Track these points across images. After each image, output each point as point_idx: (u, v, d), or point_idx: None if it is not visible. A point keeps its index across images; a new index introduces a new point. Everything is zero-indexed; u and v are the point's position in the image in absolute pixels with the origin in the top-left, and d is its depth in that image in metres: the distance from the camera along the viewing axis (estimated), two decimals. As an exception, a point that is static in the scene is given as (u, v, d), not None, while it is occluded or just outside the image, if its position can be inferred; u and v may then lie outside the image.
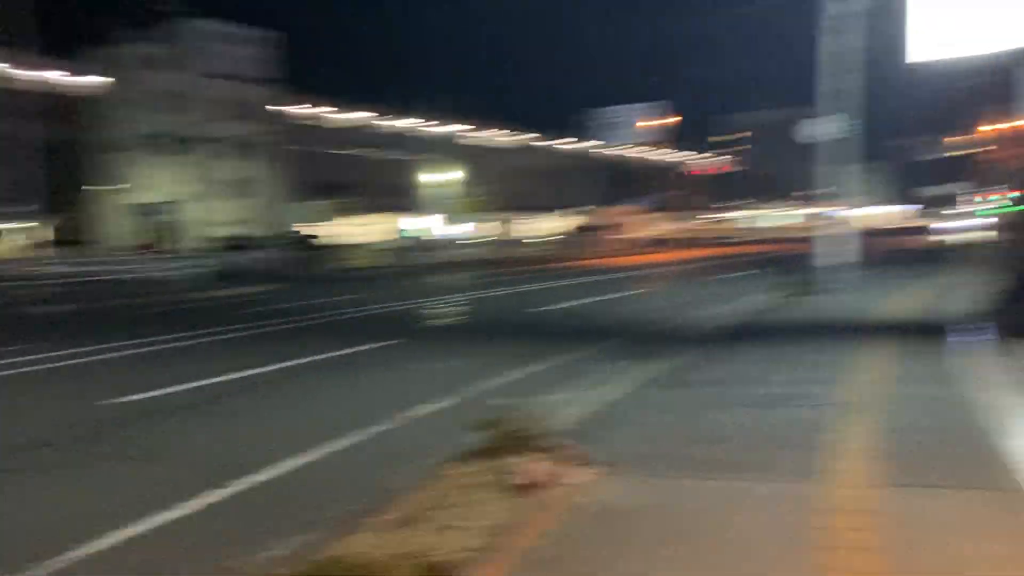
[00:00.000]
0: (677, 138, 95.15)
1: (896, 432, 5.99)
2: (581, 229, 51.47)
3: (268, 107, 62.51)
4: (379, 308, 18.14)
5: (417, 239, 48.62)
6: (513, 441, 5.48)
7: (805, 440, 5.89)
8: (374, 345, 12.22)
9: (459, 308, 18.20)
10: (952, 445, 5.64)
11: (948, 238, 47.86)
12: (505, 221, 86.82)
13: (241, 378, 9.75)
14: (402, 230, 53.64)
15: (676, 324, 13.93)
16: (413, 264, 37.01)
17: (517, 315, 16.57)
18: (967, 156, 43.34)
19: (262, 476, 5.88)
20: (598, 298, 18.98)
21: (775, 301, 16.37)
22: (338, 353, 11.48)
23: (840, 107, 19.37)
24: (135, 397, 8.71)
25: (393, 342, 12.58)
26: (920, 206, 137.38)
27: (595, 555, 3.98)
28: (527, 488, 4.88)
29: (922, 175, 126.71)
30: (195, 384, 9.39)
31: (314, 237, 48.23)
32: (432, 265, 36.25)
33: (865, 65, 18.28)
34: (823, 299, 16.12)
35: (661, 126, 49.60)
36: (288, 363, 10.71)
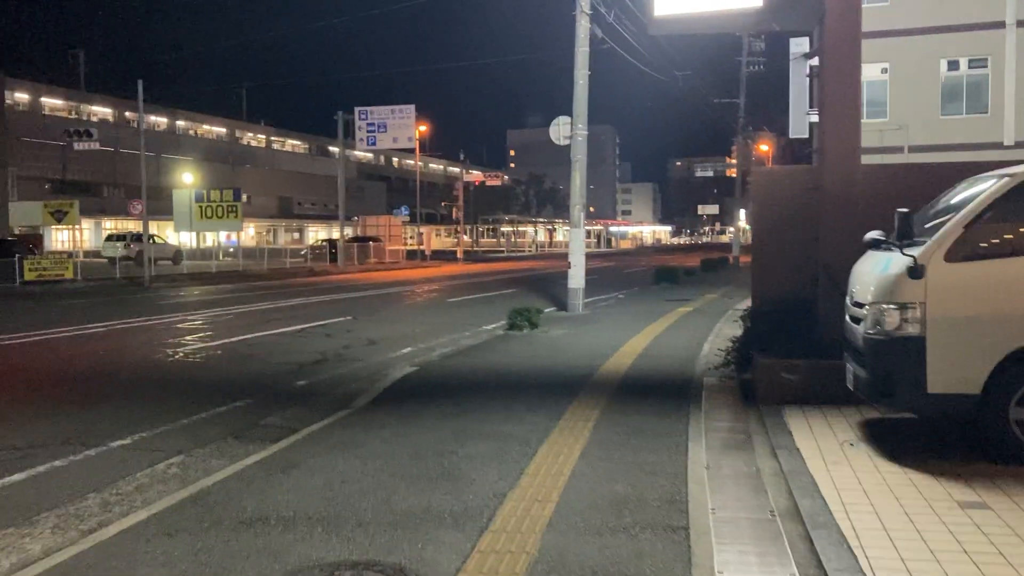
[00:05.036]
0: (450, 148, 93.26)
1: None
2: (335, 241, 47.01)
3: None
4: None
5: (132, 245, 41.75)
6: None
7: None
8: None
9: (96, 342, 13.54)
10: None
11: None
12: (269, 230, 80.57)
13: None
14: (112, 236, 46.30)
15: (351, 370, 10.22)
16: (136, 276, 30.87)
17: (172, 354, 12.17)
18: (745, 175, 43.85)
19: None
20: (302, 326, 14.99)
21: (497, 334, 13.14)
22: None
23: (595, 116, 16.84)
24: None
25: None
26: (672, 226, 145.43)
27: None
28: None
29: (707, 193, 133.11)
30: None
31: (29, 240, 40.68)
32: (161, 278, 30.62)
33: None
34: (557, 332, 13.07)
35: (425, 133, 46.58)
36: None
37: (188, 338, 13.62)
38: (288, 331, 14.42)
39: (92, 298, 23.15)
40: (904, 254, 5.46)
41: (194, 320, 16.64)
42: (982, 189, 5.68)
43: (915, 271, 5.40)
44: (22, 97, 66.14)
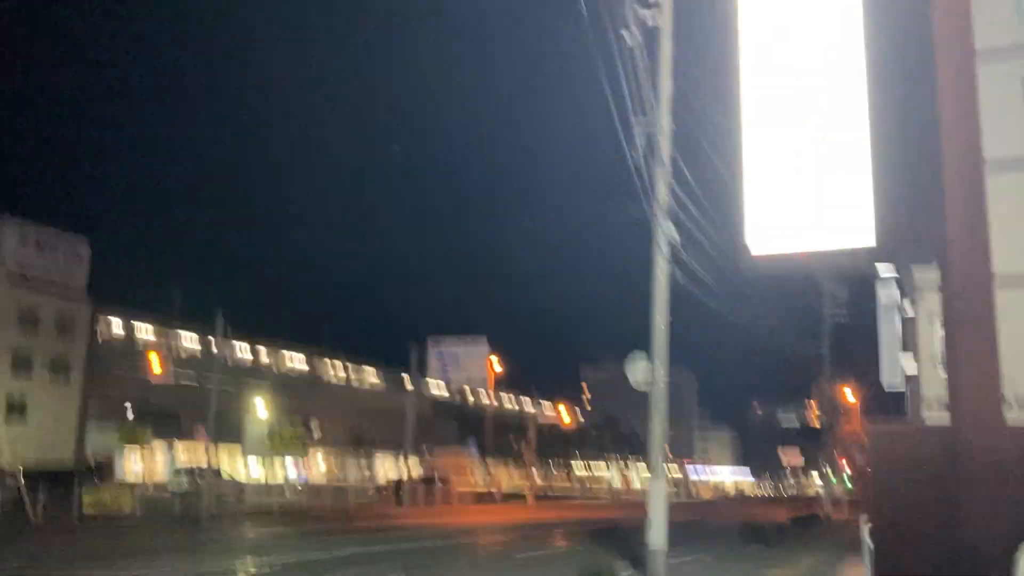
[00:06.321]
0: (522, 378, 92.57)
1: None
2: (401, 481, 45.66)
3: (75, 319, 55.78)
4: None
5: (197, 479, 40.78)
6: None
7: None
8: None
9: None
10: None
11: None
12: (338, 464, 79.57)
13: None
14: (180, 470, 45.73)
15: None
16: (195, 513, 29.74)
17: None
18: (831, 425, 41.99)
19: None
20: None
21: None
22: None
23: (675, 357, 15.95)
24: None
25: None
26: (753, 474, 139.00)
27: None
28: None
29: (789, 440, 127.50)
30: None
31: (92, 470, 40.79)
32: (219, 516, 29.63)
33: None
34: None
35: (501, 373, 46.37)
36: None
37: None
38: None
39: (137, 538, 22.07)
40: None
41: (233, 574, 15.28)
42: None
43: None
44: (117, 329, 69.08)
